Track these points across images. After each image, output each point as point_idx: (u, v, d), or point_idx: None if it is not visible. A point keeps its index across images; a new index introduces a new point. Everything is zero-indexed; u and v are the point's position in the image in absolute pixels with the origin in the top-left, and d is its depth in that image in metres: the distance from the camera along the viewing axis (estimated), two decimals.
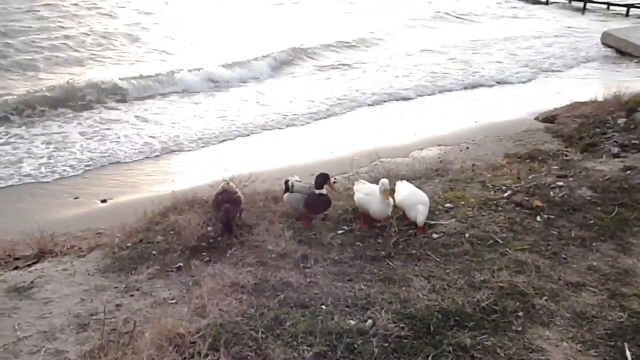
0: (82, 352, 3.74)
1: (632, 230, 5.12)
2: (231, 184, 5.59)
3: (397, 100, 13.88)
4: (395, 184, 5.58)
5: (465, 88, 15.02)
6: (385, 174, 6.87)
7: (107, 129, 11.72)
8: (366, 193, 5.29)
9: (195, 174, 8.99)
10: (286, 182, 5.63)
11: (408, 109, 13.05)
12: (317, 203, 5.34)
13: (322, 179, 5.31)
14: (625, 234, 5.06)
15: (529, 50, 19.59)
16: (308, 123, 12.23)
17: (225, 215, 5.09)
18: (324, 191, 5.31)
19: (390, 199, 5.19)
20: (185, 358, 3.53)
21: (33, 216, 7.37)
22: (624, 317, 3.91)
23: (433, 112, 12.65)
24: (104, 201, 8.07)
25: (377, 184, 5.12)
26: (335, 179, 7.30)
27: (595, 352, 3.60)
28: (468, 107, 12.79)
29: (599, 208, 5.54)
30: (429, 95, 14.35)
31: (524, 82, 15.58)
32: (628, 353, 3.55)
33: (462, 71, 16.50)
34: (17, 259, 5.46)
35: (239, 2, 28.09)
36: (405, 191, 5.35)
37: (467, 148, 8.74)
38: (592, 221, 5.29)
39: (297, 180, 5.64)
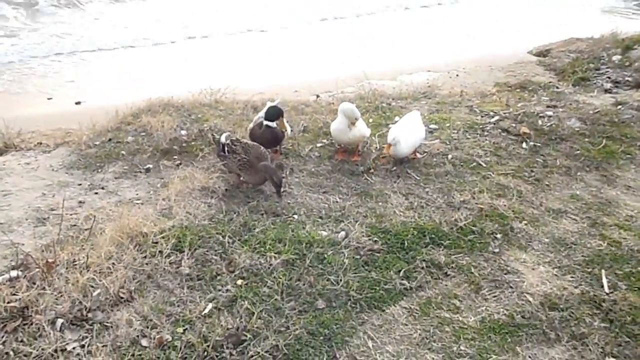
0: (39, 245, 3.55)
1: (618, 163, 5.00)
2: (239, 137, 4.47)
3: None
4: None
5: None
6: (371, 94, 6.62)
7: None
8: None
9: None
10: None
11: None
12: (260, 138, 4.52)
13: (276, 112, 4.56)
14: (611, 166, 4.94)
15: None
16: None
17: (271, 176, 4.09)
18: (273, 124, 4.54)
19: (358, 126, 4.59)
20: (146, 257, 3.38)
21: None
22: (603, 245, 3.82)
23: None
24: (78, 103, 7.72)
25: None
26: (318, 95, 7.03)
27: (572, 277, 3.51)
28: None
29: (586, 139, 5.39)
30: None
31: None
32: (605, 280, 3.47)
33: None
34: None
35: None
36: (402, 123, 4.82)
37: (457, 75, 8.44)
38: (578, 151, 5.15)
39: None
